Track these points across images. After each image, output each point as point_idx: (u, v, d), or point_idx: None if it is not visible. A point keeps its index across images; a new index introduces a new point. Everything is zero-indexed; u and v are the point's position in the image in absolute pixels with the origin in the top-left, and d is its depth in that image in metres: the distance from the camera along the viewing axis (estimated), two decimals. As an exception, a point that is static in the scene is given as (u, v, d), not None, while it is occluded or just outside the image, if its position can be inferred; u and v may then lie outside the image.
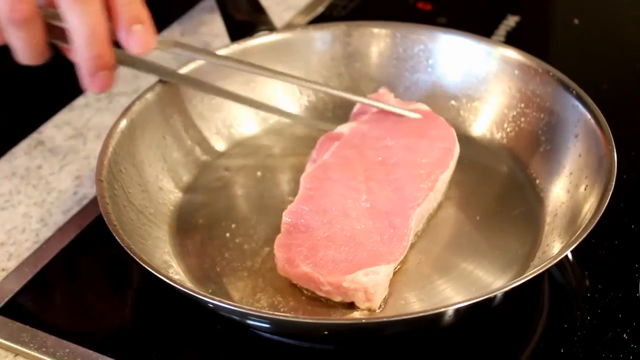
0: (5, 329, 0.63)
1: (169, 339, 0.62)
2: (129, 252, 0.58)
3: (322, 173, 0.68)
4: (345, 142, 0.71)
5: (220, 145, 0.76)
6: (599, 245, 0.66)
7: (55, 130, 0.83)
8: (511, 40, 0.90)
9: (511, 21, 0.94)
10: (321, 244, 0.62)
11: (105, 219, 0.61)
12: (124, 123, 0.69)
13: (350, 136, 0.72)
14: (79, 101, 0.86)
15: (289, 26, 0.92)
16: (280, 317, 0.58)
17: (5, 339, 0.62)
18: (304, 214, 0.64)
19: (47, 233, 0.71)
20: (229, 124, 0.76)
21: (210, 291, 0.63)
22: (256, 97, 0.77)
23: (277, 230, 0.64)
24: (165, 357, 0.61)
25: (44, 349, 0.62)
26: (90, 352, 0.61)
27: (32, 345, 0.62)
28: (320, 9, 0.97)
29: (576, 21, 0.95)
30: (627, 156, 0.74)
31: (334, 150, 0.70)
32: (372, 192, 0.66)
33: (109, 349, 0.61)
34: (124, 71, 0.90)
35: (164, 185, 0.70)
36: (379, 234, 0.63)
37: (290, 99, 0.79)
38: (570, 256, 0.58)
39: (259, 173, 0.74)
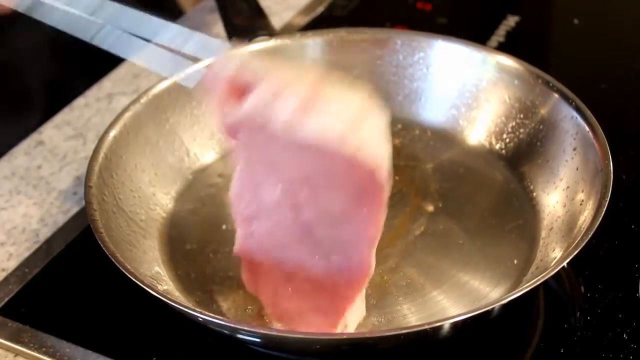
0: (5, 329, 0.63)
1: (170, 339, 0.62)
2: (114, 260, 0.58)
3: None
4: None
5: (214, 151, 0.75)
6: (598, 245, 0.66)
7: (55, 130, 0.83)
8: (511, 40, 0.90)
9: (511, 21, 0.94)
10: (281, 291, 0.59)
11: (91, 225, 0.60)
12: (116, 128, 0.68)
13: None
14: (79, 101, 0.86)
15: (288, 31, 0.92)
16: (272, 333, 0.58)
17: (5, 339, 0.62)
18: (253, 251, 0.60)
19: (47, 233, 0.71)
20: (223, 130, 0.76)
21: (199, 299, 0.63)
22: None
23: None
24: (166, 356, 0.61)
25: (44, 349, 0.62)
26: (90, 352, 0.61)
27: (32, 345, 0.62)
28: (320, 9, 0.97)
29: (576, 21, 0.94)
30: (627, 156, 0.74)
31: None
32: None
33: (109, 349, 0.61)
34: (124, 71, 0.90)
35: (156, 191, 0.70)
36: (337, 273, 0.58)
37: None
38: (565, 264, 0.58)
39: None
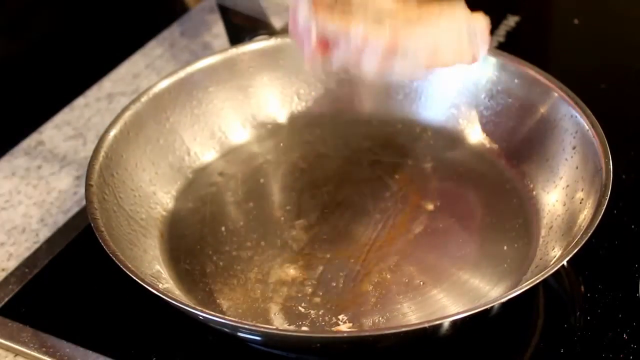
0: (5, 329, 0.63)
1: (170, 338, 0.62)
2: (115, 259, 0.58)
3: None
4: None
5: (214, 150, 0.75)
6: (598, 245, 0.66)
7: (55, 130, 0.83)
8: (511, 40, 0.90)
9: (511, 21, 0.94)
10: None
11: (92, 224, 0.61)
12: (116, 127, 0.69)
13: None
14: (79, 101, 0.86)
15: (288, 30, 0.91)
16: (271, 331, 0.58)
17: (5, 339, 0.63)
18: None
19: (47, 233, 0.71)
20: (224, 129, 0.76)
21: (199, 297, 0.63)
22: (252, 103, 0.77)
23: (269, 237, 0.64)
24: (166, 356, 0.61)
25: (44, 349, 0.62)
26: (90, 352, 0.61)
27: (32, 345, 0.62)
28: (320, 9, 0.96)
29: (576, 21, 0.94)
30: (626, 156, 0.74)
31: None
32: None
33: (109, 349, 0.61)
34: (123, 71, 0.90)
35: (156, 190, 0.70)
36: None
37: (287, 104, 0.79)
38: (565, 262, 0.59)
39: (253, 179, 0.73)
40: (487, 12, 0.99)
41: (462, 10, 0.58)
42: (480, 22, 0.58)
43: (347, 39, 0.55)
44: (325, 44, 0.55)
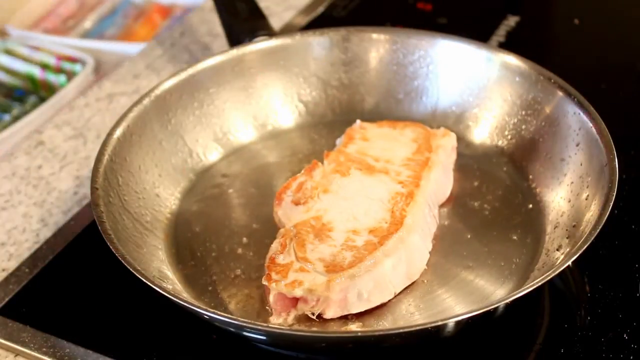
0: (5, 329, 0.63)
1: (170, 338, 0.62)
2: (123, 262, 0.58)
3: None
4: None
5: (217, 151, 0.75)
6: (599, 245, 0.66)
7: (55, 130, 0.83)
8: (511, 40, 0.90)
9: (511, 21, 0.94)
10: None
11: (99, 227, 0.60)
12: (120, 130, 0.68)
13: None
14: (79, 101, 0.86)
15: (288, 31, 0.91)
16: (276, 330, 0.58)
17: (5, 339, 0.63)
18: None
19: (47, 233, 0.71)
20: (226, 130, 0.76)
21: (205, 300, 0.63)
22: (253, 103, 0.77)
23: (273, 237, 0.64)
24: (166, 357, 0.61)
25: (44, 349, 0.62)
26: (90, 352, 0.61)
27: (32, 345, 0.62)
28: (320, 9, 0.97)
29: (576, 21, 0.95)
30: (627, 156, 0.74)
31: None
32: None
33: (109, 349, 0.61)
34: (123, 71, 0.90)
35: (160, 192, 0.70)
36: None
37: (288, 104, 0.78)
38: (570, 262, 0.59)
39: (256, 179, 0.73)
40: (487, 12, 1.00)
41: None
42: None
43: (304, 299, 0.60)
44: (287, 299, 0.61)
